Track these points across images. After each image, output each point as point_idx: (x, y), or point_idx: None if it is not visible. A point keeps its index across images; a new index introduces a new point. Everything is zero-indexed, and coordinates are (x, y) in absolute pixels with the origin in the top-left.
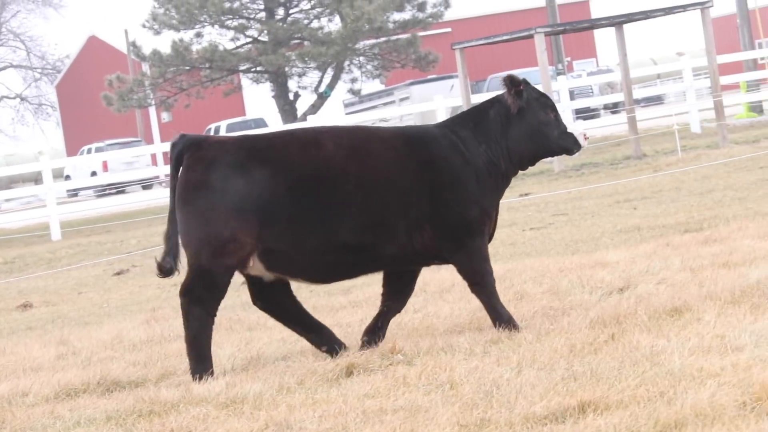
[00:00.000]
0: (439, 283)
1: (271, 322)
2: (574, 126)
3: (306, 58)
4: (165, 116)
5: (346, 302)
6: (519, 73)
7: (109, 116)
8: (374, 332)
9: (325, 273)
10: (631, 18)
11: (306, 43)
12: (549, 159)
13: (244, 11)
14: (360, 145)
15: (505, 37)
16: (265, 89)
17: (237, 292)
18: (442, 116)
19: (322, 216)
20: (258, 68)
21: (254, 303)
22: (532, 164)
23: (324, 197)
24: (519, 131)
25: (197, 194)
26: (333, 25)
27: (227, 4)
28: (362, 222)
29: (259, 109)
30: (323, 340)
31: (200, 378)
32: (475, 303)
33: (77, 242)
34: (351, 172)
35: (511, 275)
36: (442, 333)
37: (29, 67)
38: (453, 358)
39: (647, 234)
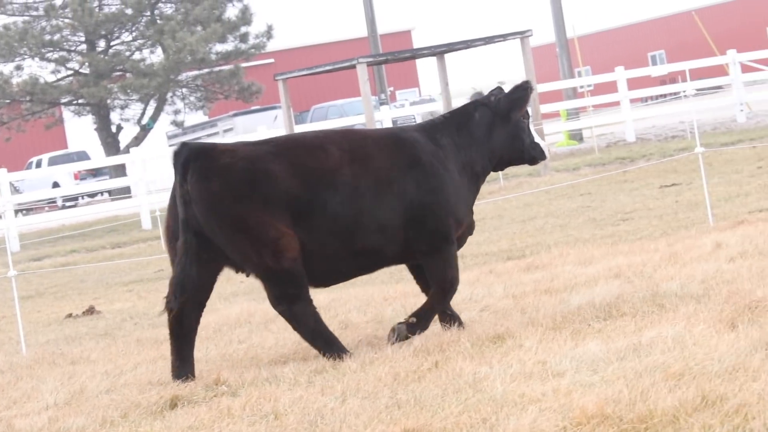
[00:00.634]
0: (264, 314)
1: (95, 355)
2: (538, 139)
3: (128, 90)
4: None
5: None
6: (342, 103)
7: None
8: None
9: (333, 278)
10: (452, 48)
11: (128, 75)
12: None
13: (65, 43)
14: (359, 148)
15: (327, 68)
16: (88, 122)
17: (60, 325)
18: None
19: (339, 220)
20: (80, 101)
21: (167, 304)
22: (503, 168)
23: (339, 201)
24: (503, 135)
25: (229, 203)
26: (155, 56)
27: (48, 37)
28: (373, 225)
29: (81, 141)
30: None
31: (339, 356)
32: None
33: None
34: (359, 175)
35: (335, 305)
36: (266, 363)
37: None
38: (277, 388)
39: (470, 262)
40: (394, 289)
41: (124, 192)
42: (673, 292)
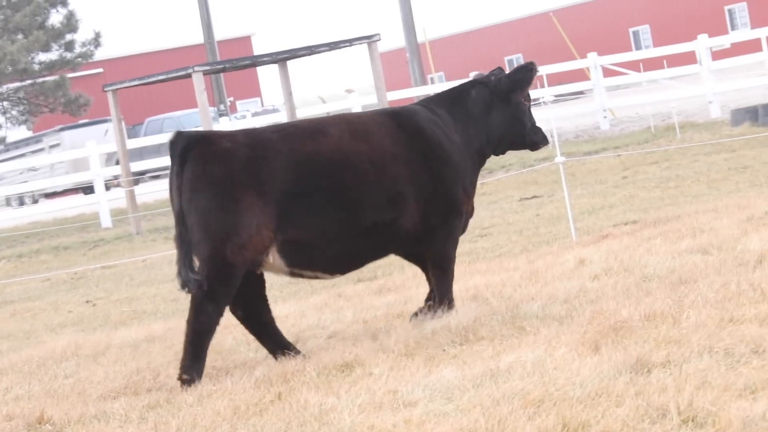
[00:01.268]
0: (93, 346)
1: None
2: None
3: None
4: None
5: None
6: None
7: None
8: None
9: (347, 262)
10: (294, 54)
11: None
12: None
13: None
14: (359, 127)
15: (161, 77)
16: None
17: None
18: (96, 163)
19: (343, 200)
20: None
21: (233, 312)
22: (504, 152)
23: (341, 181)
24: (503, 116)
25: (217, 186)
26: None
27: None
28: (382, 199)
29: None
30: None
31: (189, 381)
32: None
33: None
34: (362, 152)
35: (171, 334)
36: (95, 399)
37: None
38: (107, 425)
39: (318, 285)
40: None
41: None
42: (534, 314)
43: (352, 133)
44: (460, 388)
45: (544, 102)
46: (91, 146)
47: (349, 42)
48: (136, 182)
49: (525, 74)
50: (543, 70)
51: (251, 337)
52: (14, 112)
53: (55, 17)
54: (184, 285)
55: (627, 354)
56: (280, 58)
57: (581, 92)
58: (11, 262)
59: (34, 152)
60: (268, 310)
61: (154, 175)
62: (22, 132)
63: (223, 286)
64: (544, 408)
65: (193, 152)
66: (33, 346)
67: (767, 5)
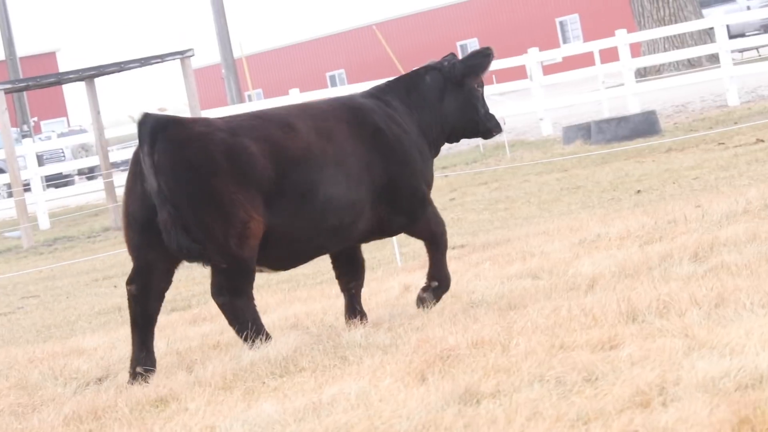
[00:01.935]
0: None
1: None
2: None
3: None
4: None
5: None
6: None
7: None
8: (355, 313)
9: (297, 259)
10: (102, 71)
11: None
12: None
13: None
14: (322, 122)
15: None
16: None
17: None
18: None
19: (310, 200)
20: None
21: (129, 285)
22: (458, 140)
23: (313, 179)
24: (456, 102)
25: (200, 176)
26: None
27: None
28: (344, 202)
29: None
30: None
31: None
32: None
33: None
34: (328, 152)
35: None
36: None
37: None
38: None
39: (127, 316)
40: (41, 349)
41: None
42: (357, 343)
43: (316, 129)
44: (281, 422)
45: None
46: None
47: (161, 58)
48: None
49: (480, 59)
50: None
51: (59, 371)
52: None
53: None
54: (180, 249)
55: (455, 384)
56: (87, 75)
57: None
58: None
59: None
60: (159, 305)
61: None
62: None
63: (242, 279)
64: None
65: (164, 134)
66: None
67: (599, 18)
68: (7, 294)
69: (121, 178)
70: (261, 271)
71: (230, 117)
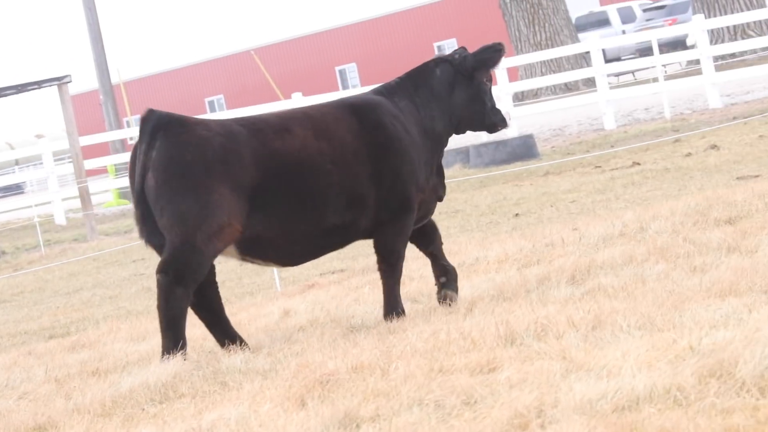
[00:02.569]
0: None
1: None
2: (500, 107)
3: None
4: None
5: None
6: None
7: None
8: (444, 272)
9: (303, 256)
10: None
11: None
12: None
13: None
14: (321, 124)
15: None
16: None
17: None
18: None
19: (310, 200)
20: None
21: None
22: (464, 131)
23: (309, 181)
24: (465, 95)
25: (192, 173)
26: None
27: None
28: (343, 201)
29: None
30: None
31: (173, 353)
32: None
33: None
34: (326, 153)
35: None
36: None
37: None
38: None
39: (7, 343)
40: None
41: None
42: (237, 368)
43: (315, 131)
44: None
45: None
46: None
47: (38, 84)
48: None
49: (491, 54)
50: (253, 112)
51: None
52: None
53: None
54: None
55: (335, 408)
56: None
57: None
58: None
59: None
60: (219, 299)
61: None
62: None
63: (191, 272)
64: None
65: (165, 133)
66: None
67: (477, 42)
68: None
69: None
70: (268, 265)
71: (229, 121)
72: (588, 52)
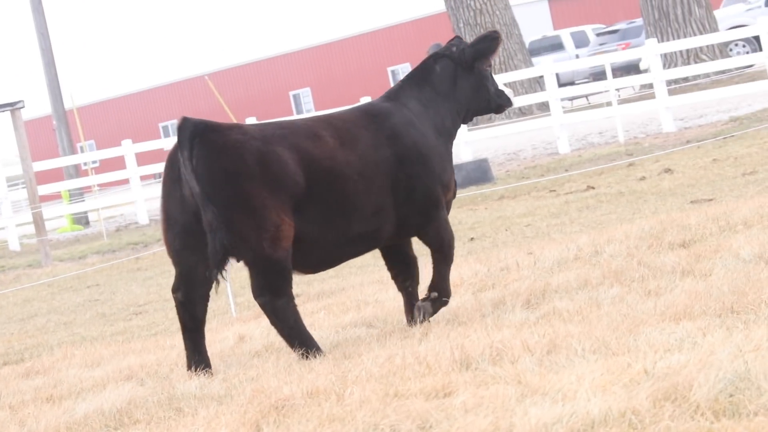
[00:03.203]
0: None
1: None
2: (502, 86)
3: None
4: None
5: None
6: None
7: None
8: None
9: (325, 264)
10: None
11: None
12: None
13: None
14: (344, 132)
15: None
16: None
17: None
18: None
19: (342, 204)
20: None
21: (174, 291)
22: (471, 119)
23: (340, 185)
24: (468, 85)
25: (232, 180)
26: None
27: None
28: (369, 209)
29: None
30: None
31: (316, 353)
32: None
33: None
34: (353, 159)
35: None
36: None
37: None
38: None
39: None
40: None
41: None
42: (192, 394)
43: (340, 139)
44: None
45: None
46: None
47: None
48: None
49: (489, 43)
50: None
51: None
52: None
53: None
54: (225, 249)
55: None
56: None
57: None
58: None
59: None
60: (205, 308)
61: None
62: None
63: (280, 281)
64: None
65: (202, 139)
66: None
67: None
68: None
69: None
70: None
71: (263, 125)
72: (542, 77)
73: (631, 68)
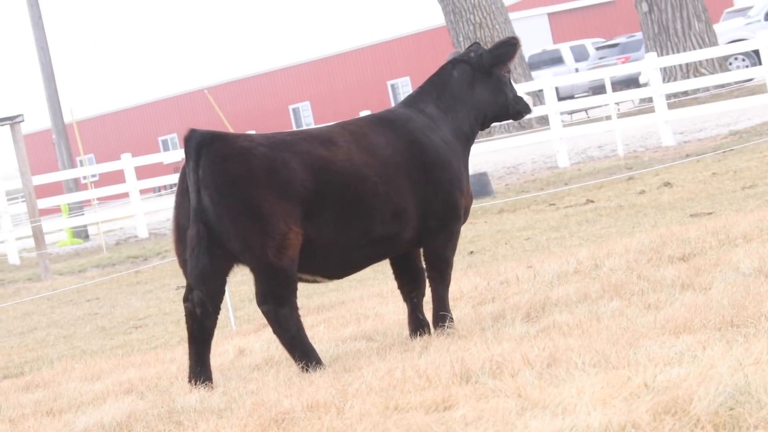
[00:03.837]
0: None
1: None
2: (522, 93)
3: None
4: None
5: None
6: None
7: None
8: (419, 325)
9: (349, 268)
10: None
11: None
12: None
13: None
14: (361, 138)
15: None
16: None
17: None
18: None
19: (358, 209)
20: None
21: (185, 298)
22: (489, 125)
23: (355, 190)
24: (486, 91)
25: (239, 187)
26: None
27: None
28: (388, 213)
29: None
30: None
31: (314, 367)
32: None
33: None
34: (370, 165)
35: None
36: None
37: None
38: None
39: None
40: None
41: None
42: (192, 407)
43: (357, 143)
44: None
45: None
46: None
47: None
48: None
49: (507, 49)
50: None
51: None
52: None
53: None
54: (199, 268)
55: None
56: None
57: None
58: None
59: None
60: (215, 319)
61: None
62: None
63: (283, 289)
64: None
65: (208, 149)
66: None
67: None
68: None
69: None
70: (316, 281)
71: (272, 133)
72: (541, 90)
73: (631, 82)
